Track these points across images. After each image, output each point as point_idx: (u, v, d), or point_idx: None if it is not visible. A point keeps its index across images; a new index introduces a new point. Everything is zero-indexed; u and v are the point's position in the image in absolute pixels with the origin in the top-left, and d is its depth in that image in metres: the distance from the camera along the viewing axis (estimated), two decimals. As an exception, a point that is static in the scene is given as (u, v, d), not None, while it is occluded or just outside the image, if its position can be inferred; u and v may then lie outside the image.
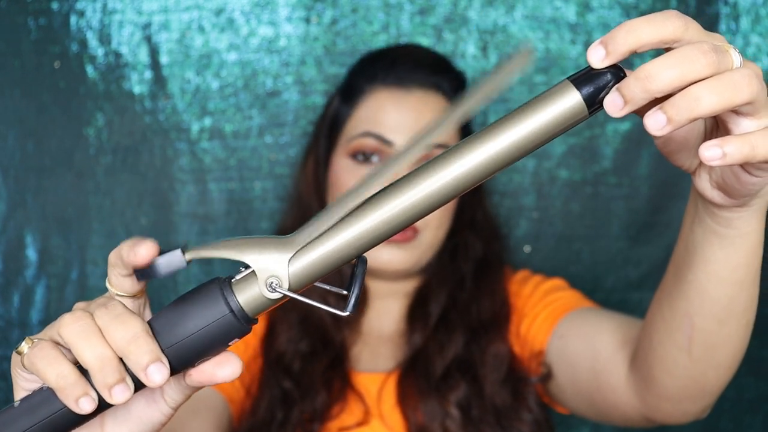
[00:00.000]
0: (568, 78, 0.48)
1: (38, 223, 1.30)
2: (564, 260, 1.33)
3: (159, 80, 1.29)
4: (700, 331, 0.70)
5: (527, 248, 1.33)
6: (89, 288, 1.31)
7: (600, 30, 1.29)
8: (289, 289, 0.49)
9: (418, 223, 1.00)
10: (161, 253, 0.49)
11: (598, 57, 0.47)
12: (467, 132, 1.10)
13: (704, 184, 0.58)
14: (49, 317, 1.31)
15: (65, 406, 0.49)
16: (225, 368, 0.50)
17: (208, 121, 1.30)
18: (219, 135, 1.30)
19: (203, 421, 0.89)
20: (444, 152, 0.49)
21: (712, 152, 0.47)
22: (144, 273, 0.49)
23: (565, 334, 0.96)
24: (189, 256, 0.48)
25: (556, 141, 1.32)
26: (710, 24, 1.30)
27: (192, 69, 1.29)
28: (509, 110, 1.35)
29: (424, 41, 1.30)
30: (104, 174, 1.30)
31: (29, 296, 1.31)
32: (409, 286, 1.08)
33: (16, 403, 0.51)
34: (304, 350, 1.02)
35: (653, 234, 1.33)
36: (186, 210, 1.31)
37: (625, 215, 1.33)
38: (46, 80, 1.29)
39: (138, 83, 1.29)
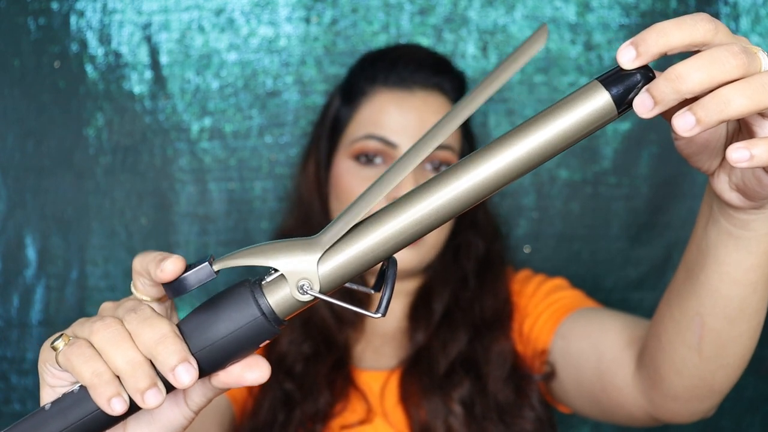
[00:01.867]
0: (596, 78, 0.48)
1: (38, 223, 1.30)
2: (564, 260, 1.33)
3: (159, 80, 1.29)
4: (710, 331, 0.70)
5: (527, 248, 1.33)
6: (89, 288, 1.31)
7: (600, 30, 1.30)
8: (320, 292, 0.49)
9: None
10: (189, 266, 0.48)
11: (628, 58, 0.47)
12: (467, 131, 1.10)
13: (723, 185, 0.58)
14: (48, 317, 1.30)
15: (96, 409, 0.49)
16: (254, 371, 0.50)
17: (208, 121, 1.30)
18: (219, 135, 1.30)
19: (207, 420, 0.89)
20: (477, 151, 0.49)
21: (740, 154, 0.47)
22: (174, 288, 0.48)
23: (568, 334, 0.96)
24: (217, 266, 0.48)
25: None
26: (710, 24, 1.30)
27: (192, 69, 1.29)
28: (510, 111, 1.35)
29: (424, 41, 1.30)
30: (104, 174, 1.30)
31: (29, 296, 1.30)
32: (412, 284, 1.08)
33: (47, 406, 0.51)
34: (307, 352, 1.02)
35: (653, 234, 1.33)
36: (186, 210, 1.31)
37: (625, 215, 1.33)
38: (46, 80, 1.28)
39: (138, 83, 1.29)
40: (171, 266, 0.48)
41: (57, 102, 1.29)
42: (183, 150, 1.30)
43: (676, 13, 1.28)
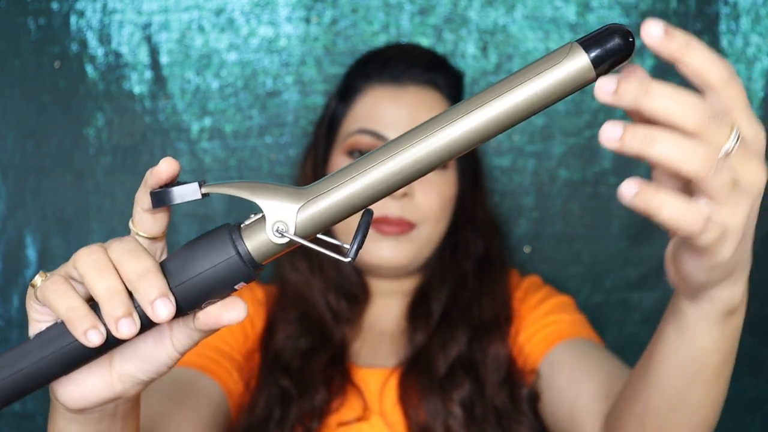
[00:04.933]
0: (576, 40, 0.47)
1: (38, 223, 1.30)
2: (564, 260, 1.33)
3: (159, 80, 1.29)
4: (650, 412, 0.68)
5: (527, 248, 1.33)
6: (89, 288, 1.31)
7: (600, 30, 1.29)
8: (295, 235, 0.50)
9: (416, 218, 1.01)
10: (180, 183, 0.51)
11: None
12: None
13: (670, 270, 0.57)
14: (49, 317, 1.30)
15: (75, 340, 0.50)
16: (231, 311, 0.51)
17: (208, 121, 1.30)
18: (219, 135, 1.30)
19: (202, 412, 0.89)
20: (451, 108, 0.49)
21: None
22: (160, 197, 0.51)
23: (555, 362, 0.96)
24: (205, 189, 0.51)
25: (556, 141, 1.32)
26: (710, 24, 1.30)
27: (192, 69, 1.29)
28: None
29: (424, 41, 1.30)
30: (104, 174, 1.30)
31: (29, 296, 1.31)
32: (410, 284, 1.08)
33: (31, 338, 0.53)
34: (304, 347, 1.02)
35: (653, 234, 1.33)
36: (186, 210, 1.31)
37: (625, 215, 1.33)
38: (46, 80, 1.28)
39: (138, 83, 1.29)
40: (165, 165, 0.51)
41: (57, 102, 1.29)
42: (183, 150, 1.30)
43: (677, 14, 1.28)
